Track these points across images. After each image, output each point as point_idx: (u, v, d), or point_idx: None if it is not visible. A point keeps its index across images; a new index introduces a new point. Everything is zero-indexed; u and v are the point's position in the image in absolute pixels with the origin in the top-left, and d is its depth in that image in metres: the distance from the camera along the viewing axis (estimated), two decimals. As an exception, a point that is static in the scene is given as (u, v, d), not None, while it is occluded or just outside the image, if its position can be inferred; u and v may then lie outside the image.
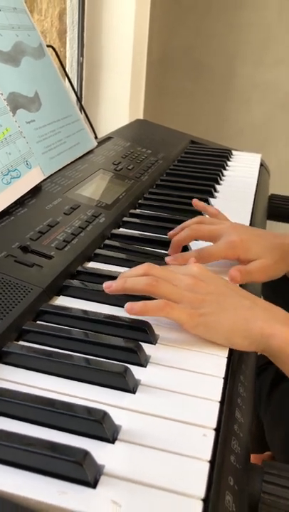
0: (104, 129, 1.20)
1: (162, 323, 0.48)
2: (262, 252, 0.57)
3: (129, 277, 0.48)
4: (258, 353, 0.69)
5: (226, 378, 0.43)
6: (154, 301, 0.45)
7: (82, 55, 1.35)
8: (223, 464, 0.35)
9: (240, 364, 0.47)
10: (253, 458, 0.60)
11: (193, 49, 1.72)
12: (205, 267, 0.51)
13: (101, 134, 1.10)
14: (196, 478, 0.31)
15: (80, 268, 0.55)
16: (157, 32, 1.57)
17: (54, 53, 0.97)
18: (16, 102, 0.72)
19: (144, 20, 1.38)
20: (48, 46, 0.90)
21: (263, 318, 0.46)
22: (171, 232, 0.63)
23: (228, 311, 0.46)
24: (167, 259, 0.57)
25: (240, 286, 0.56)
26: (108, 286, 0.48)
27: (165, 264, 0.57)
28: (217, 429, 0.37)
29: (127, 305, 0.45)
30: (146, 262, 0.50)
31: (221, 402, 0.40)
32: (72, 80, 1.34)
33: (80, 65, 1.36)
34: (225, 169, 1.01)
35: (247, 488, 0.38)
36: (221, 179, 0.94)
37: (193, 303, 0.46)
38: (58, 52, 1.10)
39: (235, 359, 0.46)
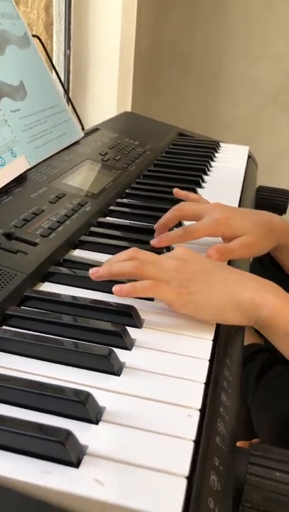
0: (92, 122, 1.19)
1: (148, 307, 0.47)
2: (247, 228, 0.57)
3: (115, 263, 0.48)
4: (245, 344, 0.69)
5: (211, 361, 0.43)
6: (142, 281, 0.45)
7: (69, 48, 1.34)
8: (208, 444, 0.35)
9: (226, 348, 0.47)
10: (241, 445, 0.60)
11: (181, 43, 1.72)
12: (190, 249, 0.51)
13: (88, 127, 1.10)
14: (180, 457, 0.31)
15: (65, 256, 0.55)
16: (144, 25, 1.56)
17: (40, 43, 0.97)
18: (0, 91, 0.71)
19: (132, 13, 1.38)
20: (33, 36, 0.89)
21: (252, 288, 0.46)
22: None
23: (217, 286, 0.46)
24: (152, 241, 0.57)
25: (229, 264, 0.55)
26: (94, 272, 0.48)
27: (152, 251, 0.57)
28: (202, 411, 0.37)
29: (115, 287, 0.45)
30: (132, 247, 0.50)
31: (206, 384, 0.40)
32: (59, 73, 1.33)
33: (67, 57, 1.35)
34: (213, 160, 1.01)
35: (233, 470, 0.38)
36: (208, 170, 0.94)
37: (182, 282, 0.46)
38: (45, 45, 1.10)
39: (222, 343, 0.46)
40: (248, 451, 0.39)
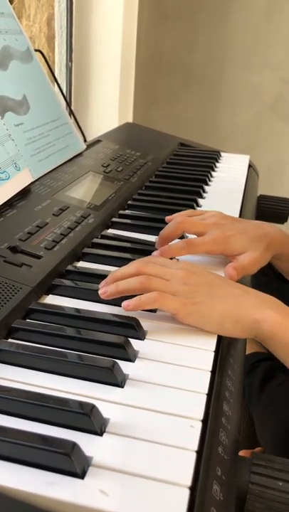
0: (94, 133, 1.20)
1: (150, 319, 0.48)
2: (247, 246, 0.59)
3: (120, 277, 0.49)
4: (247, 353, 0.69)
5: (213, 372, 0.44)
6: (148, 293, 0.46)
7: (70, 60, 1.36)
8: (211, 454, 0.36)
9: (228, 358, 0.47)
10: (244, 453, 0.60)
11: (181, 53, 1.74)
12: (193, 262, 0.52)
13: (90, 137, 1.11)
14: (183, 468, 0.32)
15: (69, 267, 0.56)
16: (145, 36, 1.58)
17: (42, 57, 0.98)
18: (4, 105, 0.73)
19: (132, 25, 1.40)
20: (36, 50, 0.90)
21: (254, 304, 0.47)
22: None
23: (221, 299, 0.47)
24: (154, 253, 0.58)
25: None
26: (103, 292, 0.49)
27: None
28: (204, 421, 0.38)
29: (124, 303, 0.47)
30: (136, 259, 0.51)
31: (209, 395, 0.40)
32: (61, 85, 1.35)
33: (69, 69, 1.37)
34: (214, 170, 1.02)
35: (235, 479, 0.38)
36: (209, 180, 0.95)
37: (187, 293, 0.47)
38: (47, 58, 1.11)
39: (223, 353, 0.47)
40: (250, 460, 0.40)
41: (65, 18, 1.33)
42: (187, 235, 0.66)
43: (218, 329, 0.47)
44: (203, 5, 1.66)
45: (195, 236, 0.62)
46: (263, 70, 1.71)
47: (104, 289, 0.48)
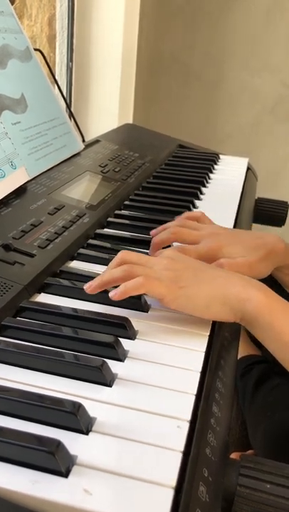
0: (94, 134, 1.20)
1: (142, 318, 0.48)
2: (244, 253, 0.58)
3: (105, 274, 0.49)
4: (242, 355, 0.69)
5: (204, 372, 0.43)
6: (134, 279, 0.46)
7: (71, 60, 1.36)
8: (198, 455, 0.35)
9: (219, 359, 0.47)
10: (235, 456, 0.60)
11: (182, 54, 1.74)
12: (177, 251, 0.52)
13: (90, 137, 1.11)
14: (168, 468, 0.32)
15: (62, 268, 0.56)
16: (146, 37, 1.58)
17: (42, 57, 0.98)
18: (1, 104, 0.73)
19: (134, 26, 1.40)
20: (35, 50, 0.90)
21: (239, 284, 0.47)
22: (153, 231, 0.63)
23: (206, 281, 0.47)
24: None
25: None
26: (88, 286, 0.49)
27: None
28: (193, 422, 0.37)
29: (110, 293, 0.46)
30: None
31: (198, 396, 0.40)
32: (61, 85, 1.35)
33: (70, 69, 1.37)
34: (212, 172, 1.02)
35: (223, 481, 0.38)
36: (207, 182, 0.95)
37: (171, 278, 0.47)
38: (48, 58, 1.11)
39: (215, 354, 0.47)
40: (239, 462, 0.40)
41: (67, 19, 1.33)
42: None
43: (205, 312, 0.46)
44: (204, 6, 1.67)
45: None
46: (262, 72, 1.71)
47: (89, 283, 0.48)
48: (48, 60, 1.04)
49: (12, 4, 1.04)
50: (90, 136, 1.18)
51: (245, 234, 0.63)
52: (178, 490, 0.32)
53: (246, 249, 0.58)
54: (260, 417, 0.67)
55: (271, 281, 0.74)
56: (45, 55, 1.03)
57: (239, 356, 0.84)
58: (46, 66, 1.01)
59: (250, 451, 0.71)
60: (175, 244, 0.61)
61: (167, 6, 1.66)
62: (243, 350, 0.84)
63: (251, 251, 0.59)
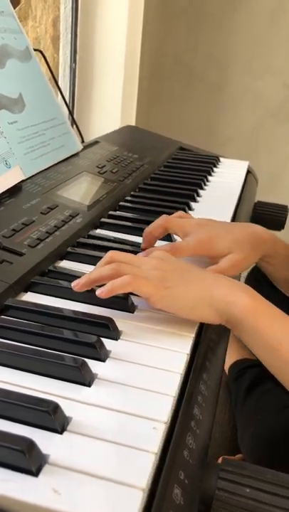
0: (96, 135, 1.20)
1: (126, 319, 0.48)
2: (231, 247, 0.58)
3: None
4: (236, 359, 0.68)
5: (187, 375, 0.43)
6: (121, 277, 0.46)
7: (74, 61, 1.36)
8: (175, 457, 0.35)
9: (204, 362, 0.47)
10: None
11: (185, 56, 1.74)
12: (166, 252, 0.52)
13: (93, 138, 1.11)
14: (140, 470, 0.31)
15: (51, 267, 0.56)
16: (149, 39, 1.58)
17: (42, 57, 0.99)
18: (-2, 103, 0.73)
19: (137, 28, 1.40)
20: (35, 50, 0.91)
21: (226, 287, 0.47)
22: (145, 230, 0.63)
23: (193, 282, 0.47)
24: (140, 254, 0.58)
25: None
26: (76, 284, 0.49)
27: None
28: (172, 424, 0.37)
29: (97, 291, 0.46)
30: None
31: (180, 398, 0.40)
32: (64, 86, 1.35)
33: (73, 71, 1.37)
34: (210, 175, 1.02)
35: (202, 484, 0.38)
36: (205, 184, 0.95)
37: (159, 278, 0.47)
38: (52, 59, 1.12)
39: (200, 357, 0.47)
40: (218, 466, 0.39)
41: (71, 20, 1.33)
42: (175, 237, 0.66)
43: (191, 313, 0.46)
44: (207, 8, 1.67)
45: (180, 239, 0.61)
46: (265, 75, 1.70)
47: (76, 281, 0.48)
48: (52, 61, 1.04)
49: (17, 5, 1.05)
50: (92, 136, 1.18)
51: (233, 224, 0.64)
52: (152, 492, 0.32)
53: (233, 242, 0.59)
54: (250, 420, 0.66)
55: (263, 280, 0.74)
56: (49, 56, 1.04)
57: (233, 360, 0.83)
58: (48, 67, 1.01)
59: (239, 455, 0.71)
60: (165, 243, 0.61)
61: (170, 8, 1.66)
62: (238, 353, 0.84)
63: (238, 244, 0.59)
